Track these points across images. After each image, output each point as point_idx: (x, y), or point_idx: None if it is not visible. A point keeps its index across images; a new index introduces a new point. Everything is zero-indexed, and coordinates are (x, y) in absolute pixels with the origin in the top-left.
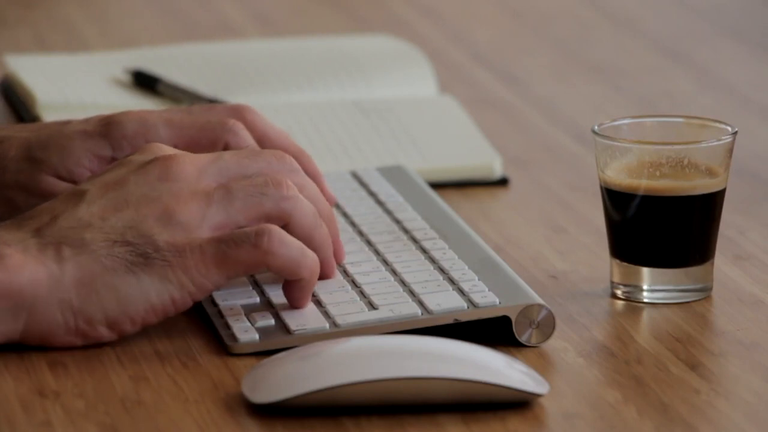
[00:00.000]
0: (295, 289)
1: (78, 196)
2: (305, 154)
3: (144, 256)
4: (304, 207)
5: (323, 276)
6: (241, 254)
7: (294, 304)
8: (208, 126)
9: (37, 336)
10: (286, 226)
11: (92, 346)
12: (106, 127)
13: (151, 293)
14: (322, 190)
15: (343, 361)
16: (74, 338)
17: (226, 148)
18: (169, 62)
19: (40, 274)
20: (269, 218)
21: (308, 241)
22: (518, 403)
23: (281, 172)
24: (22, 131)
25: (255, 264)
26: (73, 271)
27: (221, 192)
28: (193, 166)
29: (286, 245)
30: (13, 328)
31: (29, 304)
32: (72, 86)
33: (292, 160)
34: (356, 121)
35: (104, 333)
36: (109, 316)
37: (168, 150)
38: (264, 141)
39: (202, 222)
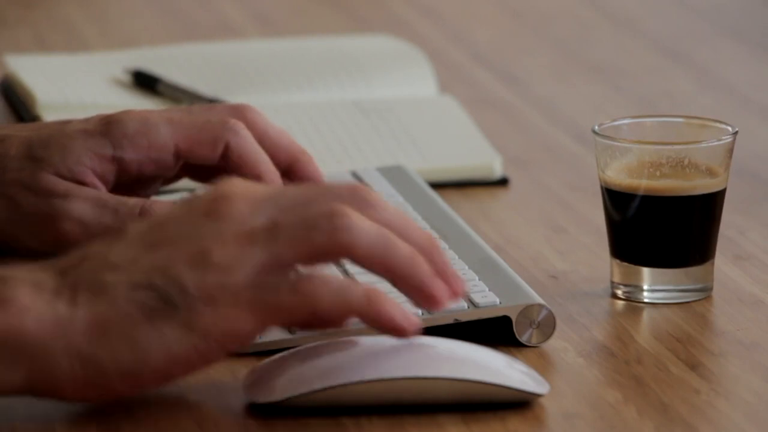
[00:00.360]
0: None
1: (117, 235)
2: (306, 154)
3: (167, 301)
4: (367, 235)
5: (429, 305)
6: (281, 301)
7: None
8: (209, 125)
9: (44, 387)
10: (356, 263)
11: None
12: (107, 126)
13: (173, 343)
14: None
15: (343, 361)
16: (84, 390)
17: (228, 147)
18: (169, 62)
19: (46, 318)
20: (325, 254)
21: (390, 273)
22: (518, 403)
23: (350, 204)
24: (22, 130)
25: (297, 312)
26: (84, 316)
27: (266, 231)
28: (246, 203)
29: (330, 287)
30: (13, 377)
31: (31, 352)
32: (72, 86)
33: (369, 191)
34: (356, 121)
35: (118, 386)
36: (123, 366)
37: (236, 186)
38: (264, 140)
39: (242, 264)
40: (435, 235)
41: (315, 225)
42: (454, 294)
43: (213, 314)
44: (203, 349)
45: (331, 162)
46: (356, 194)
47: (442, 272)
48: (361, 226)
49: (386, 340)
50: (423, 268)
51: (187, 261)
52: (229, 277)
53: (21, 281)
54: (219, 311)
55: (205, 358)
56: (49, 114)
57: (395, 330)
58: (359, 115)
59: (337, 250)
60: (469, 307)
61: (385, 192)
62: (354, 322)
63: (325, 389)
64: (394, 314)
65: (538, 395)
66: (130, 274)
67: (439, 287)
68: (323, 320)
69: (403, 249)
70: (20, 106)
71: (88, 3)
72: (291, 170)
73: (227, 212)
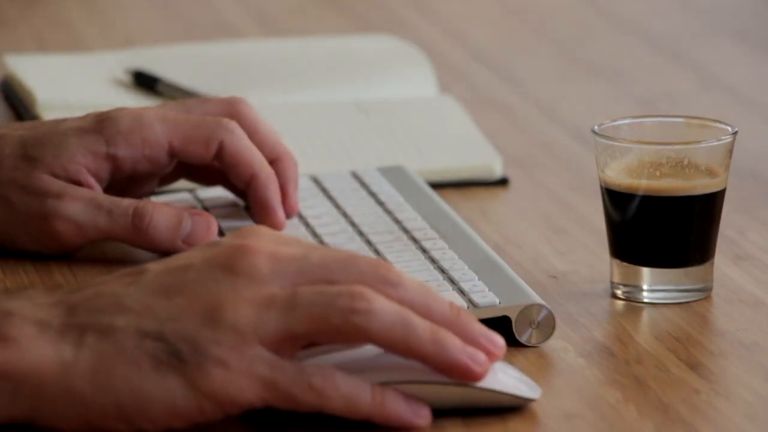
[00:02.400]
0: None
1: (135, 275)
2: (290, 156)
3: (176, 356)
4: (384, 319)
5: (467, 378)
6: (291, 391)
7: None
8: (203, 123)
9: (46, 423)
10: (377, 346)
11: None
12: (101, 124)
13: (176, 397)
14: (288, 195)
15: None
16: (86, 429)
17: (222, 146)
18: (169, 62)
19: (48, 359)
20: (339, 335)
21: (414, 355)
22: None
23: (371, 281)
24: (17, 129)
25: (306, 404)
26: (89, 359)
27: (285, 297)
28: (269, 261)
29: (340, 389)
30: (14, 411)
31: (31, 392)
32: (72, 86)
33: (393, 269)
34: (356, 121)
35: (121, 428)
36: (125, 412)
37: (263, 236)
38: (253, 135)
39: (255, 329)
40: (435, 235)
41: (333, 304)
42: (492, 356)
43: (222, 377)
44: (206, 408)
45: (331, 162)
46: (378, 272)
47: (474, 340)
48: (380, 309)
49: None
50: (447, 344)
51: (201, 316)
52: (240, 340)
53: (25, 319)
54: (229, 376)
55: (205, 416)
56: (49, 114)
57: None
58: (359, 115)
59: (352, 333)
60: (468, 307)
61: (385, 192)
62: None
63: None
64: (402, 413)
65: (531, 400)
66: (142, 320)
67: (469, 358)
68: (333, 414)
69: (423, 329)
70: (20, 106)
71: (88, 3)
72: (272, 167)
73: (247, 269)
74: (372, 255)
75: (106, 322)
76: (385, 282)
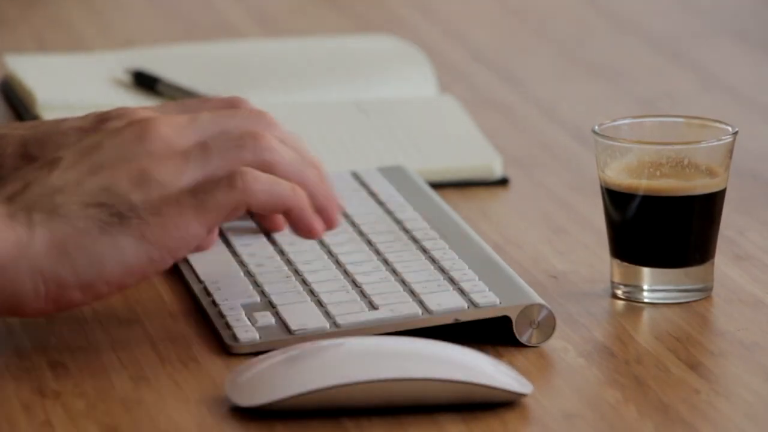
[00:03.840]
0: (294, 222)
1: (52, 163)
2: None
3: (119, 216)
4: (286, 155)
5: (327, 226)
6: (219, 198)
7: (305, 235)
8: None
9: (6, 305)
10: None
11: (91, 345)
12: (101, 124)
13: (128, 253)
14: (324, 211)
15: (330, 363)
16: (45, 304)
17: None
18: (169, 62)
19: (7, 240)
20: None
21: (305, 187)
22: (516, 403)
23: (259, 126)
24: (18, 128)
25: (234, 205)
26: (43, 235)
27: (198, 149)
28: (169, 127)
29: (261, 181)
30: None
31: (2, 271)
32: (72, 86)
33: (270, 116)
34: (356, 121)
35: (76, 296)
36: (83, 278)
37: (143, 112)
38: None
39: (180, 180)
40: (436, 235)
41: (243, 144)
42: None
43: (161, 223)
44: (156, 257)
45: (331, 162)
46: (263, 118)
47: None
48: (282, 147)
49: (371, 342)
50: (324, 186)
51: (130, 181)
52: (170, 191)
53: None
54: (166, 219)
55: (156, 265)
56: (49, 114)
57: (309, 225)
58: (359, 115)
59: (259, 168)
60: (469, 307)
61: (385, 192)
62: (355, 322)
63: (312, 392)
64: (312, 214)
65: (522, 395)
66: (79, 195)
67: (331, 207)
68: (261, 210)
69: (311, 169)
70: (20, 106)
71: (88, 3)
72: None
73: (153, 134)
74: (373, 256)
75: (48, 202)
76: (268, 124)
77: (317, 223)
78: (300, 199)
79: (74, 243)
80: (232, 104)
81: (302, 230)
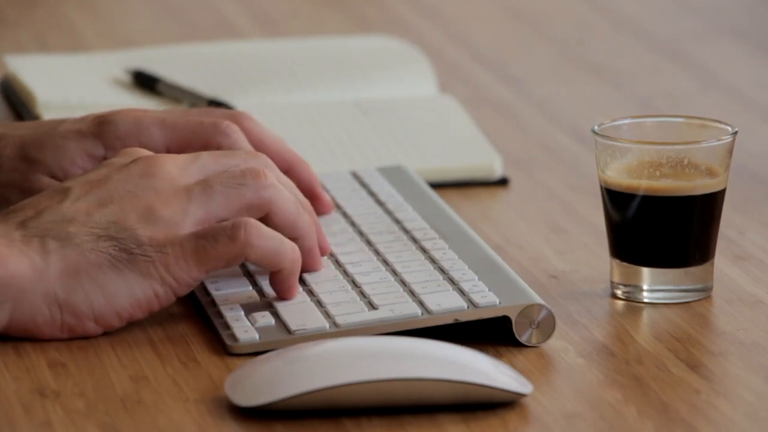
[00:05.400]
0: (279, 281)
1: (62, 193)
2: (302, 161)
3: (127, 251)
4: (285, 195)
5: (309, 267)
6: (219, 248)
7: (281, 296)
8: (201, 128)
9: (22, 328)
10: (268, 216)
11: (91, 345)
12: (100, 127)
13: (136, 288)
14: (318, 196)
15: (329, 363)
16: (60, 332)
17: (218, 149)
18: (169, 62)
19: (24, 265)
20: (251, 209)
21: (292, 230)
22: (516, 403)
23: (259, 165)
24: (17, 129)
25: (234, 257)
26: (58, 263)
27: (201, 187)
28: (173, 164)
29: (264, 236)
30: None
31: (14, 296)
32: (72, 86)
33: (266, 157)
34: (356, 121)
35: (91, 327)
36: (96, 310)
37: (148, 152)
38: (260, 148)
39: (184, 218)
40: (435, 235)
41: (244, 183)
42: (324, 251)
43: (165, 262)
44: (161, 294)
45: (331, 162)
46: (262, 158)
47: (318, 228)
48: (281, 187)
49: (371, 342)
50: (314, 232)
51: (138, 217)
52: (175, 229)
53: None
54: (169, 260)
55: (162, 300)
56: (50, 114)
57: (291, 288)
58: (359, 115)
59: (259, 206)
60: (468, 307)
61: (385, 192)
62: (354, 322)
63: (312, 392)
64: (296, 278)
65: (522, 395)
66: (90, 227)
67: (317, 252)
68: (256, 263)
69: (305, 214)
70: (20, 106)
71: (88, 3)
72: (288, 176)
73: (158, 171)
74: (372, 256)
75: (61, 231)
76: (265, 165)
77: (296, 288)
78: (296, 263)
79: (87, 274)
80: (234, 119)
81: (283, 291)
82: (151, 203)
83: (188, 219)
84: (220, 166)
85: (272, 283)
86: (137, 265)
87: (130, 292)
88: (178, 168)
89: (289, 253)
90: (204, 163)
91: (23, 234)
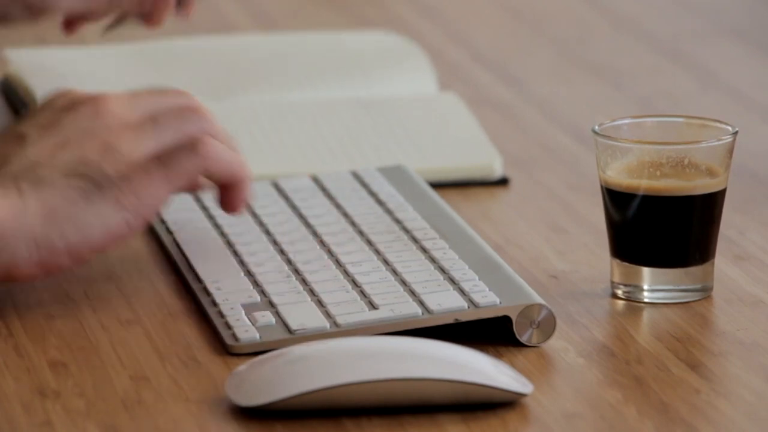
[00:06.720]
0: (233, 195)
1: (19, 138)
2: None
3: (96, 184)
4: (221, 129)
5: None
6: (183, 164)
7: (232, 210)
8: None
9: (3, 272)
10: (210, 149)
11: (91, 345)
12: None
13: (109, 219)
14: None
15: (329, 363)
16: (35, 270)
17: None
18: (167, 58)
19: (5, 210)
20: (193, 147)
21: (233, 153)
22: (516, 403)
23: (191, 103)
24: None
25: (196, 171)
26: (35, 204)
27: (149, 121)
28: (117, 103)
29: (221, 149)
30: None
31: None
32: (72, 83)
33: (189, 94)
34: (357, 120)
35: (64, 261)
36: (71, 244)
37: (81, 90)
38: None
39: (141, 149)
40: (436, 235)
41: (187, 117)
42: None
43: (133, 189)
44: (131, 221)
45: (331, 161)
46: (190, 96)
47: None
48: (214, 121)
49: (371, 342)
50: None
51: (98, 153)
52: (135, 159)
53: None
54: (137, 186)
55: (132, 229)
56: None
57: (243, 200)
58: (359, 114)
59: (204, 133)
60: (469, 307)
61: (385, 192)
62: (355, 321)
63: (312, 392)
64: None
65: (522, 395)
66: (58, 167)
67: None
68: (219, 175)
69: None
70: (20, 104)
71: None
72: None
73: (108, 111)
74: (373, 256)
75: (31, 174)
76: (189, 100)
77: (243, 203)
78: (248, 174)
79: (63, 211)
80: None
81: (234, 204)
82: (106, 139)
83: (144, 150)
84: (158, 104)
85: (225, 200)
86: (107, 196)
87: (103, 223)
88: (122, 106)
89: (244, 164)
90: (143, 101)
91: None
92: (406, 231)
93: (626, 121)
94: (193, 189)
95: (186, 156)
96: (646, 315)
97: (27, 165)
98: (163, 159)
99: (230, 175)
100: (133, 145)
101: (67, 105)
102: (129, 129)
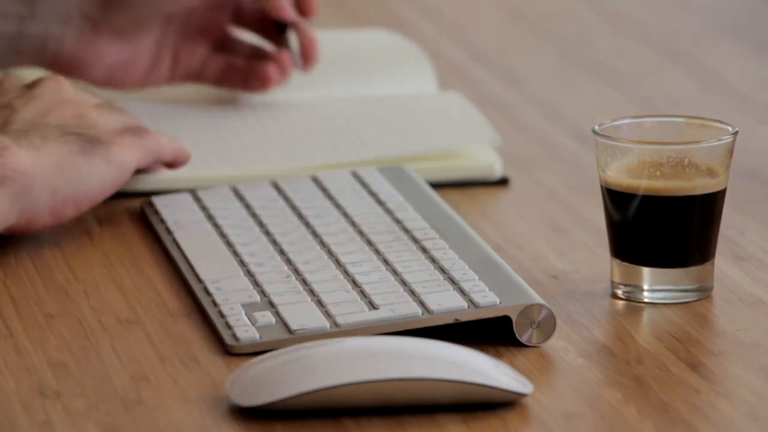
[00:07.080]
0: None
1: (8, 107)
2: None
3: (89, 141)
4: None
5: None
6: (147, 142)
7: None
8: None
9: (24, 221)
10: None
11: (91, 345)
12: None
13: (102, 172)
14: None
15: (330, 363)
16: (50, 219)
17: None
18: None
19: (26, 158)
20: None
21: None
22: (516, 403)
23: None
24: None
25: (153, 152)
26: (49, 156)
27: (106, 106)
28: (72, 87)
29: (166, 136)
30: (9, 214)
31: (28, 188)
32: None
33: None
34: (357, 118)
35: (70, 211)
36: (76, 195)
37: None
38: None
39: (107, 123)
40: (435, 235)
41: (126, 111)
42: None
43: (121, 148)
44: (117, 178)
45: (330, 159)
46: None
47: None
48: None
49: (371, 342)
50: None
51: (76, 119)
52: (107, 127)
53: None
54: (123, 146)
55: (115, 185)
56: None
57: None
58: (359, 107)
59: (137, 126)
60: (469, 307)
61: (385, 192)
62: (355, 321)
63: (312, 392)
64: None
65: (522, 395)
66: (54, 127)
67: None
68: (170, 158)
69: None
70: None
71: None
72: None
73: (68, 89)
74: (373, 256)
75: (35, 132)
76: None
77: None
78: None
79: (69, 162)
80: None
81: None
82: (78, 110)
83: (111, 123)
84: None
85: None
86: (99, 152)
87: (98, 175)
88: (77, 90)
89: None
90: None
91: (10, 137)
92: (406, 231)
93: (626, 121)
94: (150, 168)
95: (147, 136)
96: (646, 315)
97: (27, 125)
98: (131, 130)
99: (175, 160)
100: (103, 118)
101: (29, 83)
102: (92, 107)
